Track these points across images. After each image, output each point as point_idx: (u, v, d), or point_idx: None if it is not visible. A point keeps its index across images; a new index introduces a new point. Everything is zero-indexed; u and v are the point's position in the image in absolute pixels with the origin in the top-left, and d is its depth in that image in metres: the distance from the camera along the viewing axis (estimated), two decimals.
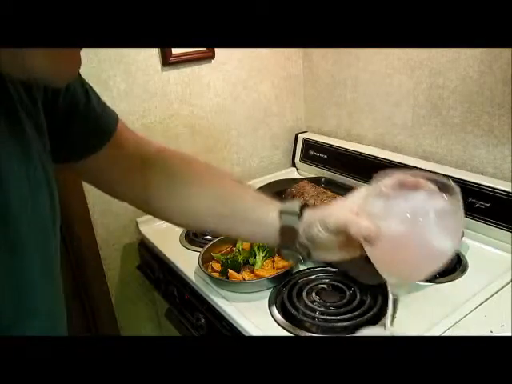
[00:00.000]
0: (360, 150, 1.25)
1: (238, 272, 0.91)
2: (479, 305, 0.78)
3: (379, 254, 0.51)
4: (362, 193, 0.53)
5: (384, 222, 0.48)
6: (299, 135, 1.47)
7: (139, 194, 0.61)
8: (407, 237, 0.48)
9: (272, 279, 0.87)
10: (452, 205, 0.48)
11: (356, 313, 0.77)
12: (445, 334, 0.72)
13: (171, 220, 0.63)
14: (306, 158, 1.43)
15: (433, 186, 0.49)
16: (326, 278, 0.89)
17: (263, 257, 0.94)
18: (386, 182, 0.50)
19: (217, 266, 0.94)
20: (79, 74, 0.52)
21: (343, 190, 1.21)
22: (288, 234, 0.54)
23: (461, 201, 0.48)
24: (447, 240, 0.48)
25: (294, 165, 1.50)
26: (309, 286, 0.86)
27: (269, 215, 0.55)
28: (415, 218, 0.47)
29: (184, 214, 0.61)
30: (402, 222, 0.48)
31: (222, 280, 0.90)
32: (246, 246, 1.00)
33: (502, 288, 0.81)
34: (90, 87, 0.56)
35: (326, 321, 0.77)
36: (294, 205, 0.55)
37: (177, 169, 0.61)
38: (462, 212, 0.48)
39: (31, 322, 0.42)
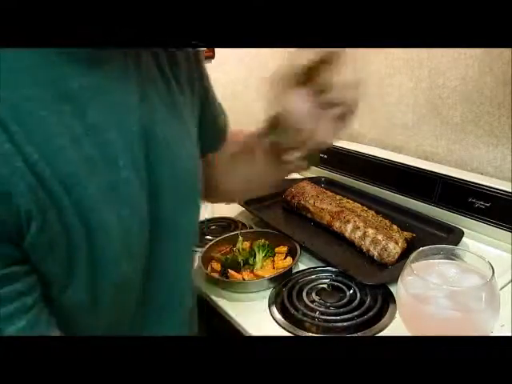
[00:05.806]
0: (360, 150, 1.25)
1: (238, 272, 0.91)
2: None
3: (415, 327, 0.53)
4: None
5: (427, 305, 0.50)
6: None
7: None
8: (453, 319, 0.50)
9: (272, 279, 0.87)
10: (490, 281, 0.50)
11: (356, 313, 0.77)
12: None
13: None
14: None
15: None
16: (326, 278, 0.89)
17: (263, 257, 0.94)
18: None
19: (217, 266, 0.94)
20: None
21: (343, 190, 1.21)
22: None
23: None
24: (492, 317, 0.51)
25: None
26: (309, 286, 0.86)
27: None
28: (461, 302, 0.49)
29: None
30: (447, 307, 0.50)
31: (222, 280, 0.90)
32: (246, 246, 0.99)
33: (502, 288, 0.81)
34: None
35: (326, 321, 0.77)
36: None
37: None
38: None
39: None
